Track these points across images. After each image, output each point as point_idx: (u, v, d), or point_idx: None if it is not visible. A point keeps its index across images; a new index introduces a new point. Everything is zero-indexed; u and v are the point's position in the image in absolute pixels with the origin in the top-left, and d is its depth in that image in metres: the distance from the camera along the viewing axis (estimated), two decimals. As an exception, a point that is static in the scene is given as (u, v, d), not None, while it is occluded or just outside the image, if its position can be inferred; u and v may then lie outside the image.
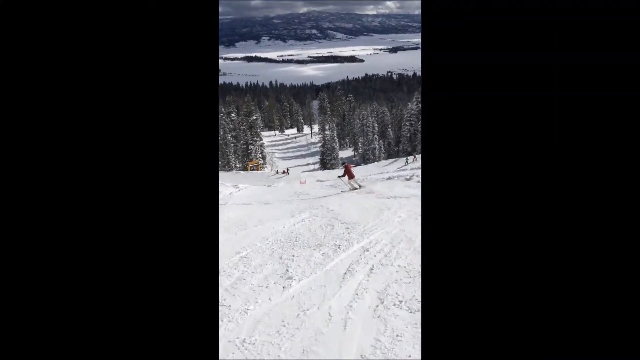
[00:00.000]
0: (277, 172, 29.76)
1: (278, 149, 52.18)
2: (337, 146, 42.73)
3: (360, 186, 10.08)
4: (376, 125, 43.98)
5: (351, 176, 10.17)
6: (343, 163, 11.86)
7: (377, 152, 41.81)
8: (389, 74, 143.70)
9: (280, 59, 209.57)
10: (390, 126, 46.10)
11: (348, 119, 51.97)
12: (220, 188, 15.28)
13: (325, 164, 40.61)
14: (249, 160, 37.67)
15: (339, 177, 10.74)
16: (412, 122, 39.78)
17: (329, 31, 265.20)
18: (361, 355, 2.04)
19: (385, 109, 49.94)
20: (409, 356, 2.00)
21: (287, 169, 29.91)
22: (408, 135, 40.44)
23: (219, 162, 34.55)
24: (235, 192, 14.56)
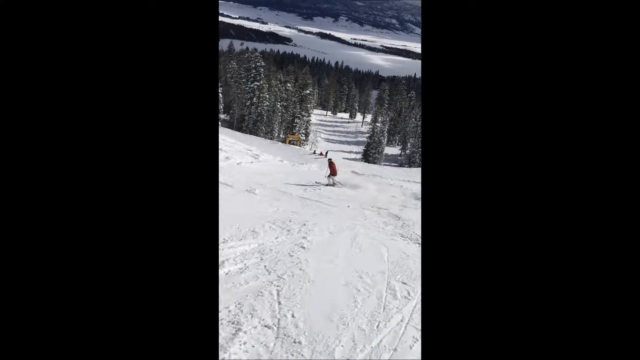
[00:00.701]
0: (315, 153, 28.48)
1: (325, 130, 50.79)
2: (384, 141, 40.69)
3: (334, 184, 10.18)
4: (432, 129, 41.20)
5: (334, 173, 10.45)
6: (329, 159, 11.49)
7: (425, 158, 39.20)
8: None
9: (353, 42, 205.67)
10: (446, 134, 43.25)
11: (403, 117, 49.47)
12: (237, 155, 14.09)
13: (368, 157, 38.72)
14: (290, 133, 36.61)
15: (327, 177, 10.68)
16: (471, 135, 36.80)
17: (409, 24, 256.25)
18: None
19: (446, 115, 47.02)
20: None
21: (327, 152, 28.50)
22: (463, 148, 37.41)
23: (262, 128, 33.79)
24: (245, 164, 13.20)
